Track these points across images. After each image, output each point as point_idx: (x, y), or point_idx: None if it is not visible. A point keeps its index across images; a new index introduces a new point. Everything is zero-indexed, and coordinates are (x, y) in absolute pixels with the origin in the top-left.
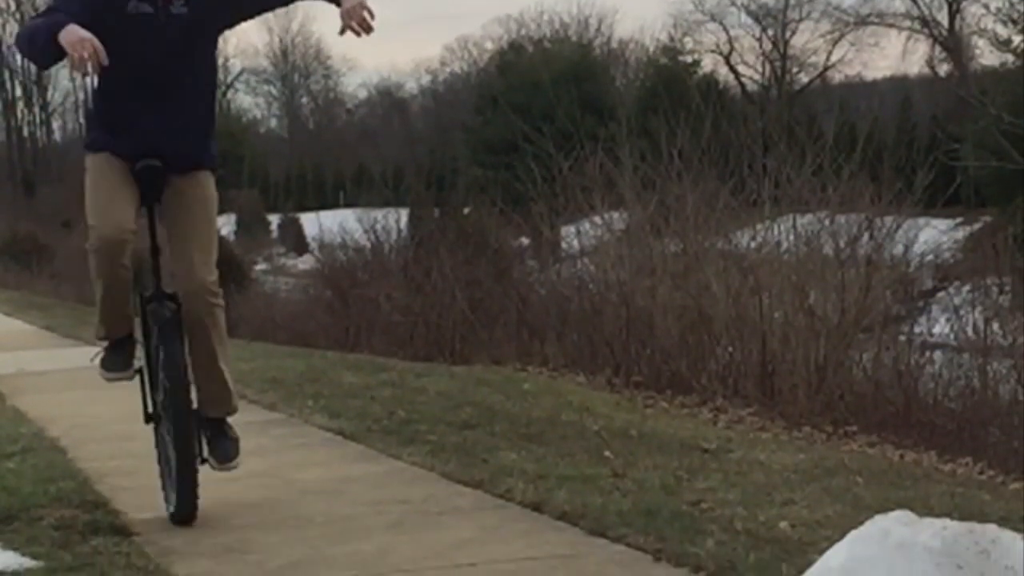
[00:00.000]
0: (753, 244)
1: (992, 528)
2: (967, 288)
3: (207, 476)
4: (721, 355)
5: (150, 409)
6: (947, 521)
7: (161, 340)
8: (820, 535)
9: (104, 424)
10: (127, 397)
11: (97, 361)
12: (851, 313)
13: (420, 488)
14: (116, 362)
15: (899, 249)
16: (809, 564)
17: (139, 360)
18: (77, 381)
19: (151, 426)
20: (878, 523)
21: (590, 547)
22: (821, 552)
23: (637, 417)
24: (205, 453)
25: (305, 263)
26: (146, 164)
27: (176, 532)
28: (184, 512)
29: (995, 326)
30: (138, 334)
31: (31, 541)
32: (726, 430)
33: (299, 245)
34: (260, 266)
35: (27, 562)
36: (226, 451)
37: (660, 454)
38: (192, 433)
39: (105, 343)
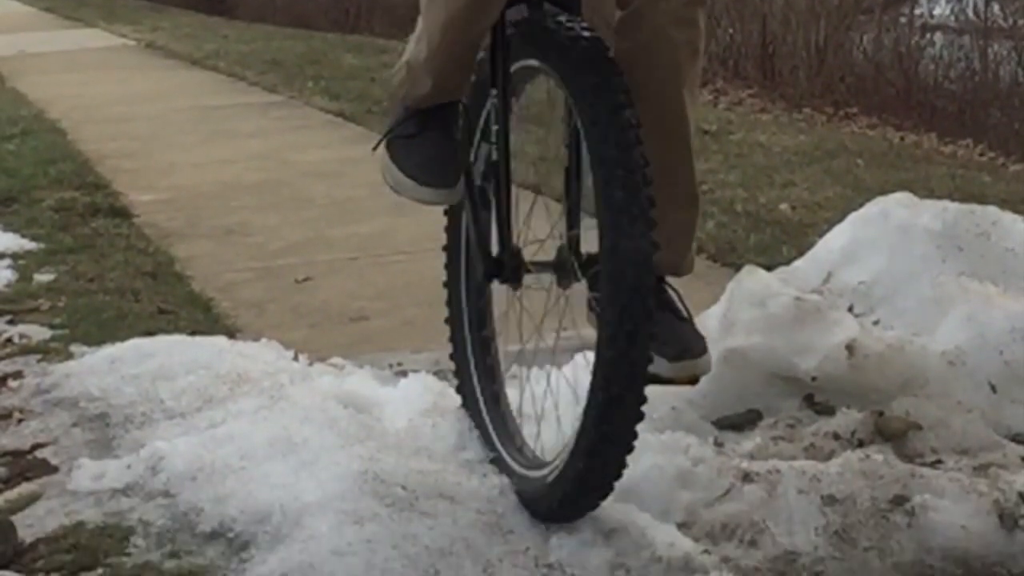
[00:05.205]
0: None
1: (993, 210)
2: None
3: (204, 156)
4: (721, 37)
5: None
6: (948, 203)
7: (583, 100)
8: (820, 217)
9: (104, 106)
10: (129, 79)
11: (384, 155)
12: None
13: None
14: (431, 161)
15: None
16: (809, 246)
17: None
18: (77, 63)
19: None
20: (879, 205)
21: (590, 231)
22: (821, 234)
23: None
24: None
25: None
26: None
27: (176, 214)
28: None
29: (995, 7)
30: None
31: (31, 223)
32: (726, 112)
33: None
34: None
35: (27, 244)
36: (685, 339)
37: None
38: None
39: (406, 116)
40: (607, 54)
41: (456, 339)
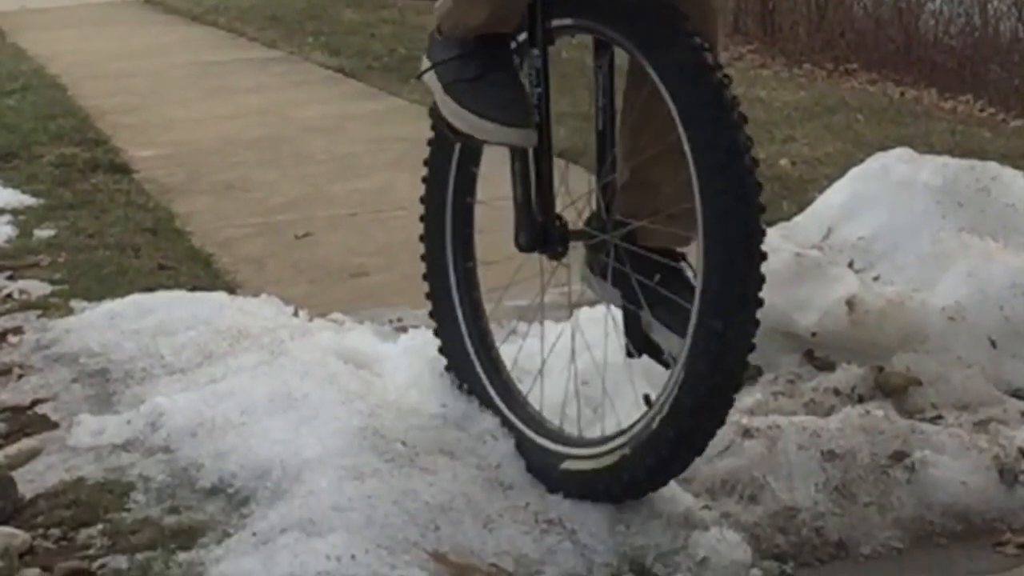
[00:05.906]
0: None
1: (993, 165)
2: None
3: (204, 111)
4: None
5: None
6: (948, 159)
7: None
8: (820, 172)
9: (104, 62)
10: (129, 34)
11: (449, 101)
12: None
13: (420, 125)
14: (507, 101)
15: None
16: (810, 201)
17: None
18: (77, 18)
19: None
20: (879, 161)
21: (586, 184)
22: (821, 189)
23: None
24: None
25: None
26: None
27: (176, 170)
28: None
29: None
30: None
31: (31, 179)
32: (726, 67)
33: None
34: None
35: (27, 199)
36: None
37: None
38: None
39: (463, 55)
40: (717, 67)
41: (440, 295)
